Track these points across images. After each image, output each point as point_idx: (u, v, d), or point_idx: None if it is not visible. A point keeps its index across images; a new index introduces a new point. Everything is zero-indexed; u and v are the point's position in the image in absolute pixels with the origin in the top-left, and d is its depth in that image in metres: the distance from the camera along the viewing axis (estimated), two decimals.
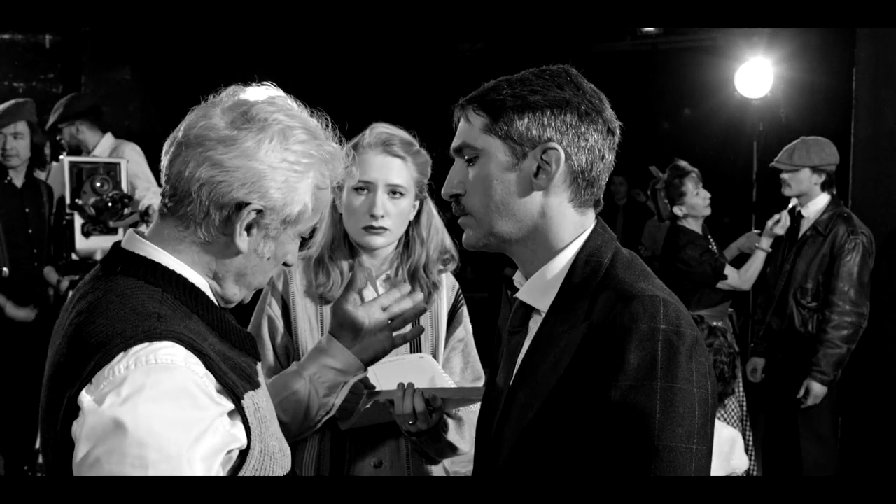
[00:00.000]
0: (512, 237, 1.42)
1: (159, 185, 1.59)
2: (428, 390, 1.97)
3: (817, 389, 4.02)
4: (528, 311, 1.46)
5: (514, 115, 1.38)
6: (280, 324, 2.17)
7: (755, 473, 4.38)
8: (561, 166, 1.38)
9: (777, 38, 5.83)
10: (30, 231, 4.52)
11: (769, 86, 5.75)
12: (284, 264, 1.42)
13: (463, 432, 2.13)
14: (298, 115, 1.35)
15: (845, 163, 4.47)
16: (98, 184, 3.89)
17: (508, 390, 1.44)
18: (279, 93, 1.39)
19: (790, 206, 4.41)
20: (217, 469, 1.19)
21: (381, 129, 2.17)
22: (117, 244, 1.36)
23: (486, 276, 7.34)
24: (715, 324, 4.05)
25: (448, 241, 2.26)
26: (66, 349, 1.23)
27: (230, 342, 1.34)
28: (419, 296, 1.96)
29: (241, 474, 1.24)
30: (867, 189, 4.56)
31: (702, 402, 1.27)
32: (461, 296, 2.31)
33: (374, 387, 2.01)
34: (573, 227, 1.42)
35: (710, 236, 4.63)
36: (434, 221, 2.24)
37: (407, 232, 2.21)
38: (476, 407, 1.96)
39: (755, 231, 4.71)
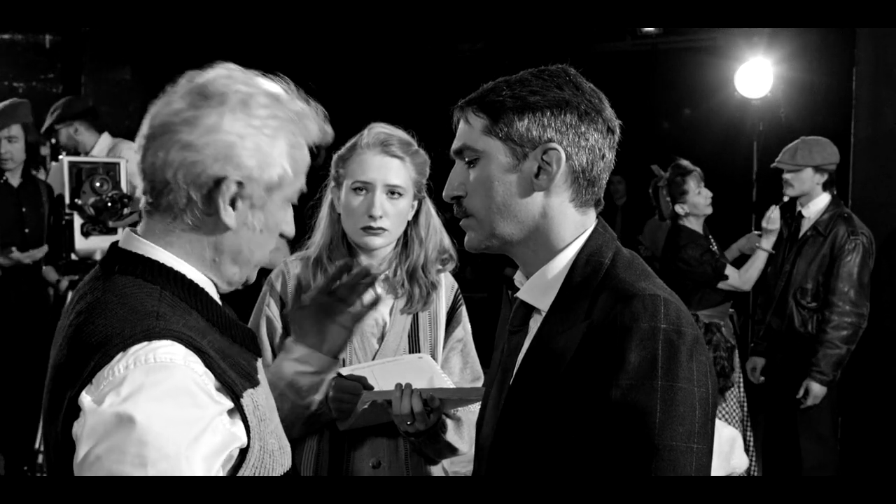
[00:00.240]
0: (513, 238, 1.42)
1: None
2: (426, 390, 1.97)
3: (817, 390, 4.02)
4: (529, 310, 1.46)
5: (513, 116, 1.38)
6: (278, 324, 2.17)
7: (755, 473, 4.38)
8: (562, 166, 1.38)
9: (777, 38, 5.83)
10: (26, 231, 4.52)
11: (769, 86, 5.75)
12: (282, 236, 1.39)
13: (462, 433, 2.12)
14: (257, 83, 1.33)
15: (845, 163, 4.47)
16: (97, 184, 3.89)
17: (508, 389, 1.44)
18: (235, 67, 1.36)
19: (783, 201, 4.40)
20: (218, 469, 1.19)
21: (379, 129, 2.17)
22: (115, 244, 1.36)
23: (486, 276, 7.34)
24: (710, 320, 4.06)
25: (447, 241, 2.26)
26: (67, 350, 1.23)
27: (231, 337, 1.33)
28: (351, 260, 1.93)
29: (240, 473, 1.24)
30: (867, 189, 4.56)
31: (702, 401, 1.27)
32: (460, 296, 2.31)
33: (372, 387, 2.01)
34: (574, 226, 1.42)
35: (710, 236, 4.63)
36: (432, 221, 2.24)
37: (405, 232, 2.21)
38: (475, 407, 1.96)
39: (755, 232, 4.71)
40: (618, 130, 1.44)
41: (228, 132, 1.26)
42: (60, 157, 4.10)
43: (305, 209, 2.27)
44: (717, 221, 4.81)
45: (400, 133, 2.18)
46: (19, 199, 4.55)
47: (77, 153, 4.75)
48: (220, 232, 1.31)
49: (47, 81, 7.00)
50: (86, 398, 1.15)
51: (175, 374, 1.16)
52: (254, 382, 1.32)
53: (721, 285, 4.40)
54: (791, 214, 4.44)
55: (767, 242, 4.42)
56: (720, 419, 3.97)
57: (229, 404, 1.23)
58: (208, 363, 1.22)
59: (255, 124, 1.28)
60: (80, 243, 3.92)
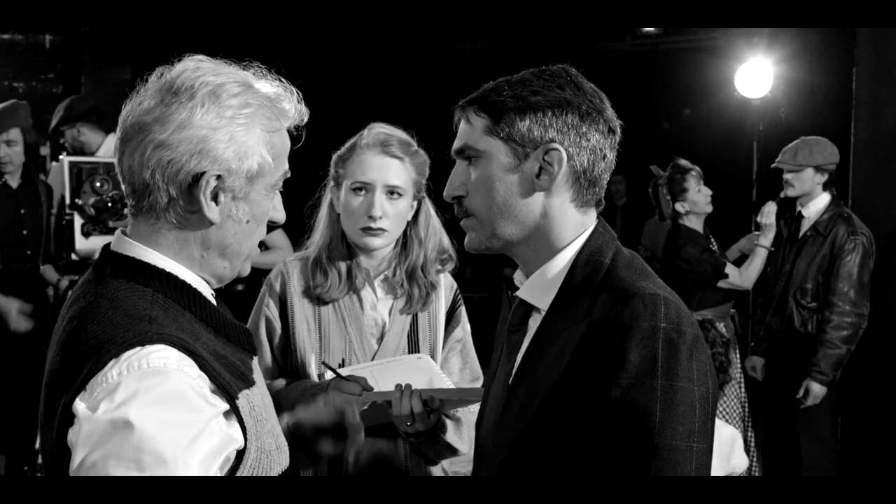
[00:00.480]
0: (514, 238, 1.42)
1: None
2: (426, 391, 1.97)
3: (817, 390, 4.02)
4: (528, 309, 1.46)
5: (515, 116, 1.38)
6: (278, 324, 2.17)
7: (756, 473, 4.37)
8: (563, 167, 1.38)
9: (777, 38, 5.83)
10: (24, 233, 4.52)
11: (769, 86, 5.75)
12: (272, 223, 1.37)
13: (461, 433, 2.12)
14: (227, 72, 1.31)
15: (845, 163, 4.47)
16: (98, 184, 3.89)
17: (508, 388, 1.44)
18: (203, 58, 1.33)
19: (780, 197, 4.40)
20: (216, 472, 1.18)
21: (379, 129, 2.17)
22: (107, 246, 1.34)
23: (486, 276, 7.34)
24: (704, 317, 4.05)
25: (446, 242, 2.26)
26: (60, 356, 1.22)
27: (226, 337, 1.32)
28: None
29: (238, 474, 1.24)
30: (867, 189, 4.56)
31: (702, 400, 1.27)
32: (459, 296, 2.30)
33: (372, 388, 2.00)
34: (574, 226, 1.42)
35: (711, 236, 4.62)
36: (432, 222, 2.24)
37: (405, 232, 2.21)
38: (475, 408, 1.96)
39: (756, 232, 4.71)
40: (619, 131, 1.44)
41: (200, 126, 1.24)
42: (60, 157, 4.10)
43: (305, 209, 2.28)
44: (717, 221, 4.81)
45: (400, 133, 2.18)
46: (18, 200, 4.55)
47: (83, 153, 4.74)
48: (205, 227, 1.29)
49: (47, 81, 7.00)
50: (80, 405, 1.14)
51: (169, 378, 1.15)
52: (249, 383, 1.31)
53: (721, 284, 4.40)
54: (791, 214, 4.44)
55: (765, 239, 4.42)
56: (720, 418, 3.97)
57: (225, 406, 1.22)
58: (202, 366, 1.21)
59: (228, 114, 1.26)
60: (81, 243, 3.92)
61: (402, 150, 2.15)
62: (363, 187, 2.13)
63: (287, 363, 2.18)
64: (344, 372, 2.04)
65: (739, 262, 4.70)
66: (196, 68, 1.29)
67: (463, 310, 2.29)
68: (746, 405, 4.38)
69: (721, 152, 6.65)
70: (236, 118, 1.26)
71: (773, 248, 4.43)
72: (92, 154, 4.76)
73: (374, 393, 1.99)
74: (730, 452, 3.07)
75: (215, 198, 1.27)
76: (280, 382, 2.15)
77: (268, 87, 1.34)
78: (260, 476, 1.26)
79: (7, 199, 4.52)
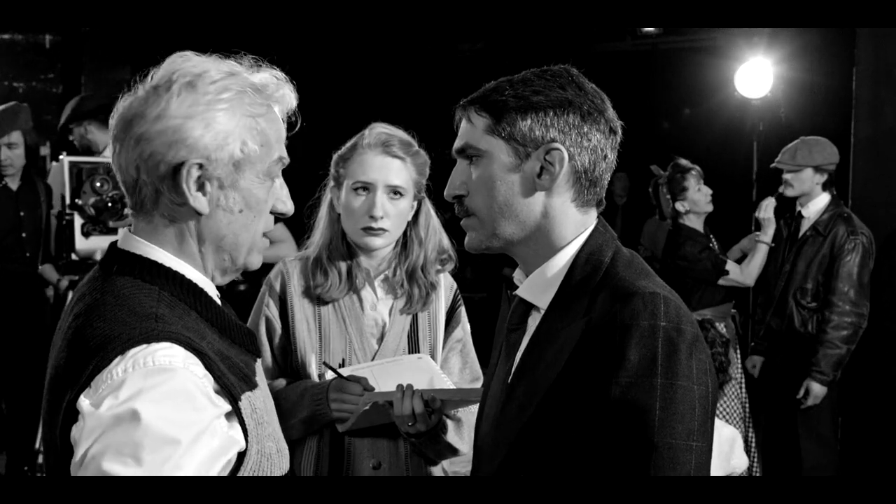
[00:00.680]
0: (515, 238, 1.42)
1: None
2: (427, 391, 1.97)
3: (817, 390, 4.02)
4: (528, 308, 1.46)
5: (516, 115, 1.38)
6: (278, 324, 2.16)
7: (756, 473, 4.37)
8: (564, 167, 1.38)
9: (777, 38, 5.82)
10: (23, 235, 4.52)
11: (769, 86, 5.74)
12: (279, 214, 1.35)
13: (462, 433, 2.12)
14: (209, 63, 1.29)
15: (845, 163, 4.47)
16: (98, 184, 3.89)
17: (507, 387, 1.44)
18: (192, 53, 1.31)
19: (778, 192, 4.39)
20: (217, 473, 1.18)
21: (380, 129, 2.17)
22: (113, 244, 1.34)
23: (486, 276, 7.34)
24: (703, 317, 4.05)
25: (446, 242, 2.26)
26: (66, 352, 1.21)
27: (230, 338, 1.32)
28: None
29: (238, 476, 1.24)
30: (867, 189, 4.56)
31: (702, 399, 1.28)
32: (459, 296, 2.31)
33: (372, 388, 2.00)
34: (575, 226, 1.42)
35: (711, 235, 4.62)
36: (432, 222, 2.24)
37: (405, 232, 2.21)
38: (475, 408, 1.96)
39: (756, 232, 4.71)
40: (619, 131, 1.44)
41: (175, 116, 1.23)
42: (60, 157, 4.09)
43: (305, 209, 2.28)
44: (718, 221, 4.81)
45: (401, 133, 2.18)
46: (18, 203, 4.55)
47: (90, 152, 4.74)
48: (197, 219, 1.28)
49: (47, 81, 7.00)
50: (84, 402, 1.14)
51: (174, 376, 1.15)
52: (252, 385, 1.30)
53: (722, 281, 4.39)
54: (791, 214, 4.44)
55: (765, 235, 4.41)
56: (721, 418, 3.97)
57: (227, 407, 1.22)
58: (208, 365, 1.20)
59: (204, 101, 1.24)
60: (81, 243, 3.92)
61: (404, 150, 2.15)
62: (364, 187, 2.13)
63: (287, 363, 2.18)
64: (345, 372, 2.04)
65: (741, 262, 4.70)
66: (179, 62, 1.29)
67: (463, 310, 2.29)
68: (747, 405, 4.37)
69: (721, 152, 6.65)
70: (214, 104, 1.25)
71: (773, 244, 4.42)
72: (99, 153, 4.75)
73: (376, 393, 1.99)
74: (730, 452, 3.07)
75: (202, 188, 1.26)
76: (280, 382, 2.15)
77: (255, 75, 1.32)
78: (260, 476, 1.26)
79: (7, 202, 4.52)
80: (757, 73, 5.69)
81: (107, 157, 4.67)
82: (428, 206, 2.24)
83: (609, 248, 1.41)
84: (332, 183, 2.22)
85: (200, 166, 1.24)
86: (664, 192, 4.59)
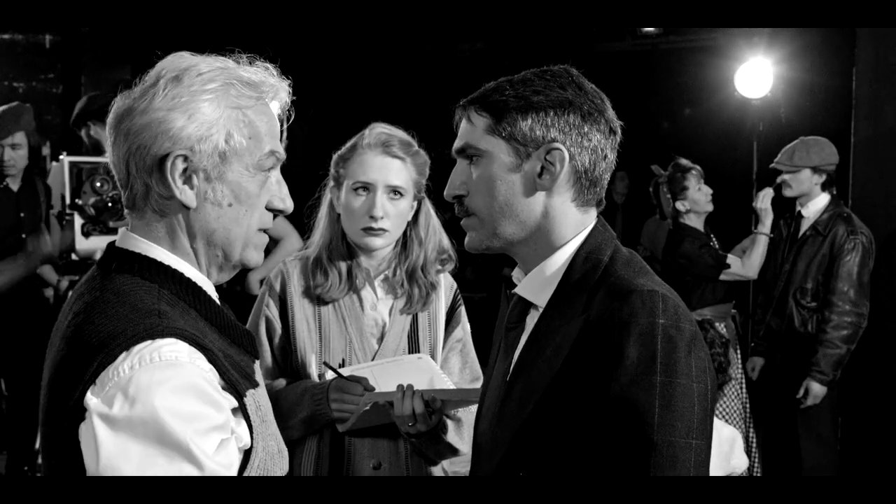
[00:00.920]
0: (515, 238, 1.42)
1: None
2: (428, 391, 1.97)
3: (817, 389, 4.02)
4: (526, 306, 1.47)
5: (517, 115, 1.38)
6: (278, 324, 2.16)
7: (757, 473, 4.37)
8: (565, 167, 1.38)
9: (777, 38, 5.82)
10: (23, 235, 4.52)
11: (769, 86, 5.74)
12: (276, 211, 1.33)
13: (462, 433, 2.12)
14: (199, 59, 1.29)
15: (845, 163, 4.47)
16: (98, 184, 3.89)
17: (506, 385, 1.44)
18: (187, 53, 1.31)
19: (777, 182, 4.39)
20: (227, 466, 1.18)
21: (380, 129, 2.17)
22: (112, 243, 1.33)
23: (486, 276, 7.34)
24: (703, 317, 4.05)
25: (446, 242, 2.26)
26: (66, 351, 1.21)
27: (229, 338, 1.31)
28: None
29: (245, 474, 1.23)
30: (867, 189, 4.56)
31: (701, 397, 1.28)
32: (459, 296, 2.31)
33: (373, 388, 2.00)
34: (574, 225, 1.42)
35: (712, 235, 4.63)
36: (432, 222, 2.24)
37: (405, 232, 2.21)
38: (475, 407, 1.96)
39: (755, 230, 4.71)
40: (619, 131, 1.45)
41: (159, 108, 1.23)
42: (60, 157, 4.09)
43: (305, 209, 2.28)
44: (718, 221, 4.81)
45: (400, 133, 2.18)
46: (18, 203, 4.55)
47: (100, 151, 4.74)
48: (185, 214, 1.27)
49: (47, 81, 7.00)
50: (92, 400, 1.13)
51: (181, 371, 1.15)
52: (253, 383, 1.30)
53: (724, 276, 4.38)
54: (790, 214, 4.44)
55: (763, 226, 4.40)
56: (721, 418, 3.97)
57: (234, 402, 1.22)
58: (212, 361, 1.20)
59: (188, 93, 1.24)
60: (81, 243, 3.91)
61: (404, 151, 2.15)
62: (364, 187, 2.13)
63: (287, 363, 2.18)
64: (345, 372, 2.04)
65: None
66: (170, 59, 1.29)
67: (463, 310, 2.30)
68: (747, 405, 4.37)
69: (721, 152, 6.65)
70: (198, 94, 1.24)
71: (772, 235, 4.42)
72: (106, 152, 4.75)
73: (376, 393, 1.99)
74: (730, 452, 3.07)
75: (188, 181, 1.25)
76: (280, 382, 2.15)
77: (246, 69, 1.31)
78: (261, 476, 1.26)
79: (7, 203, 4.52)
80: (757, 73, 5.68)
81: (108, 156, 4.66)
82: (428, 206, 2.24)
83: (608, 246, 1.41)
84: (331, 183, 2.22)
85: (185, 158, 1.24)
86: (664, 192, 4.59)
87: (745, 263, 4.39)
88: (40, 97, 6.71)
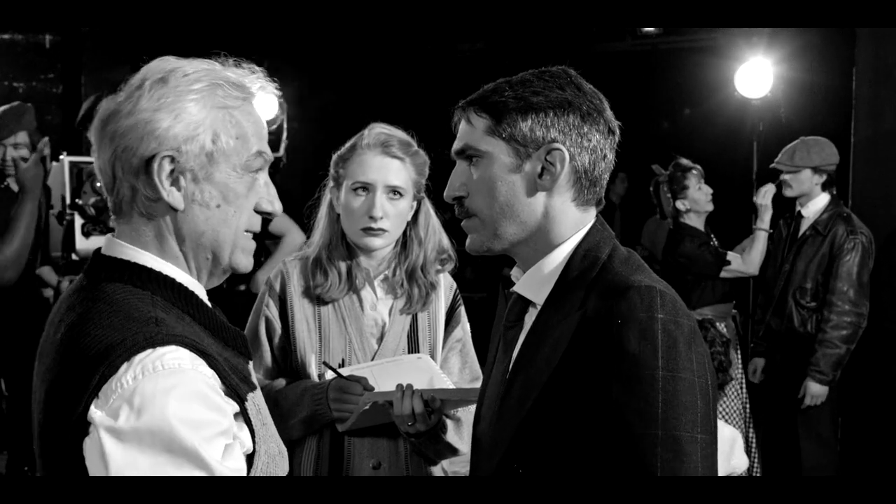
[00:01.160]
0: (516, 238, 1.42)
1: None
2: (427, 391, 1.97)
3: (816, 389, 4.02)
4: (525, 304, 1.47)
5: (517, 116, 1.38)
6: (278, 324, 2.17)
7: (757, 473, 4.37)
8: (565, 167, 1.39)
9: (777, 38, 5.82)
10: None
11: (769, 86, 5.74)
12: (265, 215, 1.32)
13: (462, 433, 2.13)
14: (185, 61, 1.28)
15: (845, 163, 4.47)
16: (98, 184, 3.88)
17: (505, 383, 1.44)
18: (174, 58, 1.31)
19: (779, 179, 4.39)
20: (234, 470, 1.17)
21: (379, 129, 2.17)
22: (98, 251, 1.31)
23: (486, 276, 7.33)
24: (703, 317, 4.05)
25: (445, 242, 2.26)
26: (62, 365, 1.18)
27: (223, 341, 1.30)
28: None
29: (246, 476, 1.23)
30: (867, 189, 4.56)
31: (703, 390, 1.28)
32: (459, 296, 2.31)
33: (372, 388, 2.00)
34: (574, 224, 1.43)
35: (712, 234, 4.63)
36: (432, 222, 2.24)
37: (405, 233, 2.21)
38: (475, 407, 1.97)
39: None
40: (617, 131, 1.45)
41: (145, 110, 1.22)
42: (61, 157, 4.09)
43: (305, 209, 2.28)
44: (718, 221, 4.81)
45: (400, 133, 2.18)
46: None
47: None
48: (173, 216, 1.26)
49: (47, 81, 7.00)
50: (96, 413, 1.11)
51: (185, 378, 1.14)
52: (251, 386, 1.30)
53: (725, 273, 4.38)
54: (790, 214, 4.44)
55: (763, 222, 4.41)
56: (721, 418, 3.97)
57: (236, 407, 1.21)
58: (213, 365, 1.19)
59: (174, 94, 1.23)
60: (81, 243, 3.91)
61: (403, 151, 2.15)
62: (364, 187, 2.13)
63: (287, 363, 2.18)
64: (344, 372, 2.04)
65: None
66: (156, 63, 1.28)
67: (462, 310, 2.30)
68: (748, 405, 4.37)
69: (721, 152, 6.65)
70: (184, 95, 1.24)
71: (772, 230, 4.42)
72: None
73: (376, 393, 1.99)
74: (730, 452, 3.07)
75: (175, 182, 1.24)
76: (280, 382, 2.15)
77: (233, 70, 1.31)
78: (262, 477, 1.26)
79: (8, 203, 4.52)
80: (757, 73, 5.69)
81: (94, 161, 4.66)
82: (427, 207, 2.24)
83: (606, 245, 1.42)
84: (331, 183, 2.22)
85: (172, 159, 1.23)
86: (665, 191, 4.59)
87: (746, 259, 4.39)
88: (40, 97, 6.71)
